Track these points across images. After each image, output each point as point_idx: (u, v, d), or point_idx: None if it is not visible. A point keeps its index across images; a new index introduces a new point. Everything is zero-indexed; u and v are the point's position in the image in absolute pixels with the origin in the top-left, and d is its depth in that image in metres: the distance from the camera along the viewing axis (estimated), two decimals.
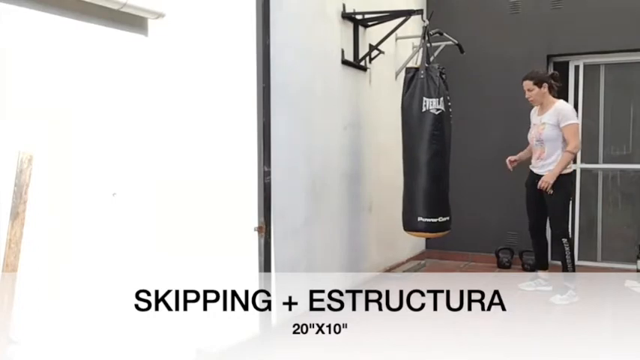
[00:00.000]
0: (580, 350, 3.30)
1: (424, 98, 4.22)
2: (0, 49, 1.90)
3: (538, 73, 4.46)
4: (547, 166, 4.33)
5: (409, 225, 4.44)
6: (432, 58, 4.40)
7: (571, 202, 4.50)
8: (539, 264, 4.71)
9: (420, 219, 4.34)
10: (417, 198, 4.38)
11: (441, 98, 4.22)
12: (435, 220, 4.33)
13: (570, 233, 4.36)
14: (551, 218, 4.43)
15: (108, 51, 2.30)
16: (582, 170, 5.75)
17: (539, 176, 4.33)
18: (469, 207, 5.96)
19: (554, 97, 4.43)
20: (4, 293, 1.54)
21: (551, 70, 5.73)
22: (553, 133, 4.31)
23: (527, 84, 4.41)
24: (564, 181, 4.29)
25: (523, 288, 4.62)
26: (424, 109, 4.22)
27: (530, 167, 4.55)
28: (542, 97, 4.39)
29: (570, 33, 5.53)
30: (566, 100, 5.70)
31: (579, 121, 5.15)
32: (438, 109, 4.22)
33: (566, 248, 4.26)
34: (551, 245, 4.65)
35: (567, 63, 5.74)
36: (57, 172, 2.10)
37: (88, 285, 2.23)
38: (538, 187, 4.27)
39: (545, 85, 4.36)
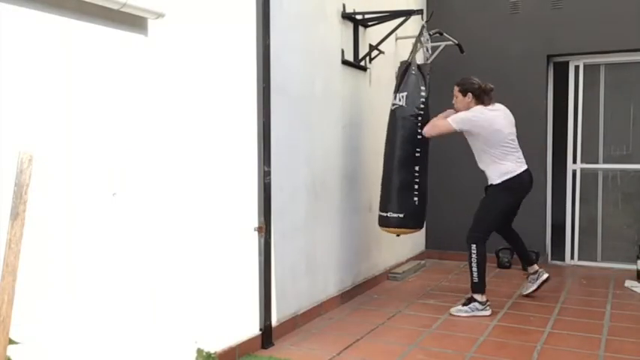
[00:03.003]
0: (580, 350, 3.30)
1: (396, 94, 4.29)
2: (0, 49, 1.91)
3: (467, 81, 4.16)
4: (489, 175, 4.14)
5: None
6: (430, 59, 4.40)
7: (499, 213, 4.19)
8: (524, 261, 4.53)
9: (379, 213, 4.37)
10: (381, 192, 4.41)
11: (403, 94, 4.19)
12: (383, 214, 4.28)
13: (479, 239, 4.11)
14: (474, 219, 4.24)
15: (108, 51, 2.30)
16: (582, 170, 5.76)
17: (486, 188, 4.24)
18: (469, 207, 5.95)
19: (488, 105, 4.13)
20: (4, 293, 1.54)
21: (551, 71, 5.75)
22: (470, 142, 4.19)
23: (455, 89, 4.20)
24: (494, 189, 4.11)
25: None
26: (391, 106, 4.31)
27: None
28: (465, 106, 4.12)
29: (570, 33, 5.53)
30: (566, 100, 5.72)
31: (579, 121, 5.13)
32: (394, 104, 4.26)
33: (473, 254, 4.09)
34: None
35: (567, 63, 5.75)
36: (57, 172, 2.10)
37: (88, 285, 2.23)
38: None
39: (470, 95, 4.10)
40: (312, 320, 3.83)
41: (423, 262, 5.80)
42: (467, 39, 5.35)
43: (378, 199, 4.43)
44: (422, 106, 4.20)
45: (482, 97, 4.12)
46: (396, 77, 4.41)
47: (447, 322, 3.85)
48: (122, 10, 2.26)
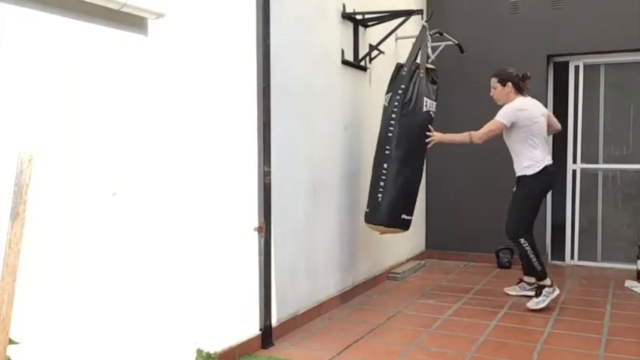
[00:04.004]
0: (580, 350, 3.30)
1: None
2: (0, 49, 1.91)
3: (505, 71, 4.30)
4: (521, 168, 4.22)
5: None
6: (430, 59, 4.39)
7: (534, 203, 4.24)
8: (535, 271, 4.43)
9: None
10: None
11: (389, 95, 4.21)
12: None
13: (524, 231, 4.17)
14: (507, 216, 4.31)
15: (108, 51, 2.30)
16: (582, 170, 5.76)
17: (518, 177, 4.29)
18: (469, 207, 5.97)
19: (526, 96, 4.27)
20: (4, 293, 1.54)
21: (551, 71, 5.75)
22: (507, 134, 4.25)
23: (493, 81, 4.32)
24: (527, 181, 4.19)
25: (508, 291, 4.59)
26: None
27: None
28: (505, 96, 4.25)
29: (570, 33, 5.53)
30: (566, 100, 5.72)
31: (578, 121, 5.13)
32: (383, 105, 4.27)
33: (525, 247, 4.16)
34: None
35: (567, 63, 5.75)
36: (57, 172, 2.10)
37: (88, 285, 2.23)
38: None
39: (510, 84, 4.22)
40: (312, 320, 3.83)
41: (423, 262, 5.80)
42: (467, 39, 5.36)
43: None
44: (396, 103, 4.13)
45: (521, 85, 4.25)
46: (399, 79, 4.35)
47: (447, 322, 3.85)
48: (122, 10, 2.26)
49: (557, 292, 4.17)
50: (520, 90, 4.25)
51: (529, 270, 4.30)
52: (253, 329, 3.26)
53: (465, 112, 5.84)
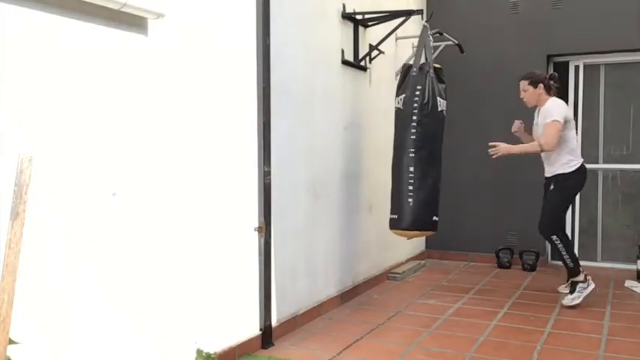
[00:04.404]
0: (580, 350, 3.30)
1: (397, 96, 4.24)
2: (0, 49, 1.91)
3: (534, 73, 4.41)
4: (552, 168, 4.30)
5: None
6: (430, 59, 4.39)
7: (570, 201, 4.43)
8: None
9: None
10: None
11: (402, 96, 4.16)
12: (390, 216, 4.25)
13: (558, 229, 4.26)
14: (541, 214, 4.37)
15: (108, 51, 2.30)
16: None
17: (548, 178, 4.34)
18: (469, 207, 5.97)
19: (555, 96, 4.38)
20: (4, 293, 1.54)
21: (551, 70, 5.75)
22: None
23: (523, 84, 4.38)
24: (565, 179, 4.25)
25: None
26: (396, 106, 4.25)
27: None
28: (536, 97, 4.34)
29: (570, 33, 5.54)
30: (567, 100, 5.72)
31: (578, 121, 5.15)
32: (396, 107, 4.22)
33: (558, 244, 4.22)
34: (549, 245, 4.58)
35: (567, 63, 5.76)
36: (57, 173, 2.10)
37: (88, 284, 2.23)
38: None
39: (541, 85, 4.31)
40: (312, 320, 3.83)
41: (423, 262, 5.80)
42: (467, 39, 5.36)
43: (378, 199, 4.43)
44: (415, 105, 4.10)
45: (551, 85, 4.35)
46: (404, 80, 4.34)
47: (447, 322, 3.85)
48: (122, 10, 2.26)
49: (592, 286, 4.20)
50: (549, 90, 4.34)
51: (564, 265, 4.31)
52: (253, 329, 3.26)
53: (465, 112, 5.85)
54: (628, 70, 5.65)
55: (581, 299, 4.16)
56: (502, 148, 4.29)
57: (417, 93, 4.08)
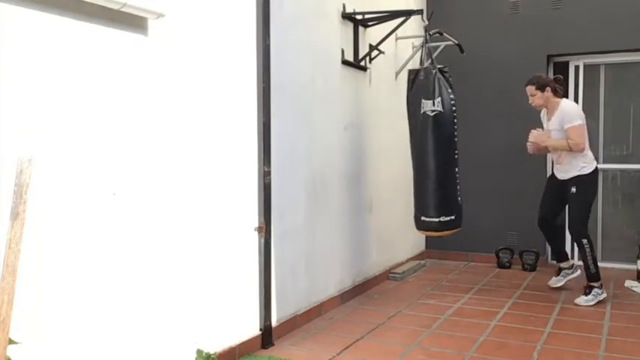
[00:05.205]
0: (580, 350, 3.30)
1: (422, 100, 4.24)
2: (0, 49, 1.91)
3: (540, 77, 4.44)
4: (568, 172, 4.35)
5: (416, 224, 4.50)
6: (430, 60, 4.39)
7: (593, 200, 4.47)
8: (557, 256, 4.75)
9: (422, 218, 4.40)
10: (418, 197, 4.45)
11: (438, 99, 4.20)
12: (436, 219, 4.37)
13: (586, 232, 4.34)
14: (569, 219, 4.49)
15: (108, 51, 2.30)
16: None
17: (564, 180, 4.38)
18: (469, 207, 5.95)
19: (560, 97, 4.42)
20: (4, 293, 1.54)
21: (551, 72, 5.75)
22: (561, 138, 4.32)
23: (530, 89, 4.40)
24: (584, 181, 4.31)
25: (553, 285, 4.71)
26: (422, 111, 4.24)
27: (554, 169, 4.59)
28: (545, 101, 4.38)
29: (570, 33, 5.53)
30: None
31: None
32: (433, 111, 4.22)
33: (587, 249, 4.27)
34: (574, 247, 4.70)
35: (567, 63, 5.75)
36: (57, 173, 2.10)
37: (88, 285, 2.23)
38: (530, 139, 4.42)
39: (548, 88, 4.34)
40: (312, 320, 3.83)
41: (423, 262, 5.80)
42: (467, 39, 5.35)
43: (379, 199, 4.43)
44: (454, 108, 4.31)
45: (557, 88, 4.39)
46: (415, 81, 4.37)
47: (447, 322, 3.85)
48: (122, 10, 2.26)
49: (604, 295, 4.31)
50: (556, 93, 4.38)
51: (585, 268, 4.36)
52: (253, 329, 3.26)
53: (465, 112, 5.84)
54: (628, 70, 5.65)
55: (594, 303, 4.24)
56: (537, 136, 4.40)
57: (452, 96, 4.26)
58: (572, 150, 4.26)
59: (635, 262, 5.12)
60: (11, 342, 1.62)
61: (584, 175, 4.29)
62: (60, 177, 2.11)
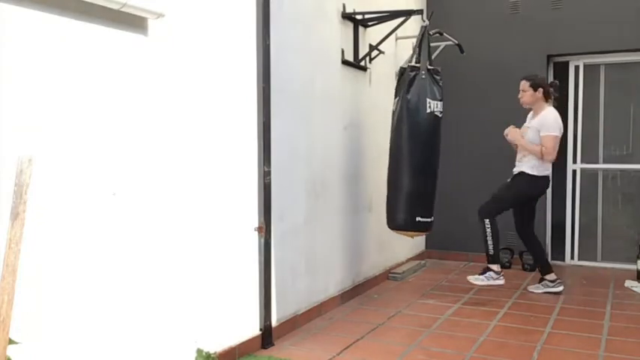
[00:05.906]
0: (580, 350, 3.30)
1: (426, 99, 4.22)
2: (0, 49, 1.91)
3: (538, 77, 4.48)
4: (520, 167, 4.42)
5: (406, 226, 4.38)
6: (429, 60, 4.39)
7: (519, 200, 4.49)
8: (542, 267, 4.67)
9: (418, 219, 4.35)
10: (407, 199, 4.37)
11: (440, 102, 4.20)
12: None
13: (493, 216, 4.37)
14: (489, 199, 4.48)
15: (108, 51, 2.30)
16: (582, 170, 5.76)
17: (514, 175, 4.47)
18: (469, 207, 5.95)
19: (552, 105, 4.46)
20: (4, 293, 1.54)
21: (551, 71, 5.76)
22: (533, 138, 4.36)
23: (524, 84, 4.45)
24: (524, 179, 4.37)
25: (532, 290, 4.69)
26: (428, 110, 4.22)
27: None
28: (534, 100, 4.41)
29: (570, 33, 5.54)
30: (567, 100, 5.72)
31: (578, 121, 5.14)
32: (441, 112, 4.23)
33: (487, 229, 4.33)
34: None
35: (567, 63, 5.75)
36: (57, 173, 2.10)
37: (88, 284, 2.23)
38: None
39: (541, 90, 4.38)
40: (312, 320, 3.83)
41: (423, 262, 5.80)
42: (467, 39, 5.35)
43: (380, 199, 4.43)
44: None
45: (550, 93, 4.43)
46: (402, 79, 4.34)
47: (447, 322, 3.85)
48: (122, 10, 2.26)
49: (500, 282, 4.41)
50: (547, 98, 4.41)
51: (485, 252, 4.43)
52: (253, 329, 3.26)
53: (465, 112, 5.85)
54: (628, 70, 5.65)
55: (482, 284, 4.39)
56: (513, 134, 4.46)
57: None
58: (542, 157, 4.31)
59: (635, 262, 5.12)
60: (11, 342, 1.62)
61: (529, 174, 4.36)
62: (60, 177, 2.11)
